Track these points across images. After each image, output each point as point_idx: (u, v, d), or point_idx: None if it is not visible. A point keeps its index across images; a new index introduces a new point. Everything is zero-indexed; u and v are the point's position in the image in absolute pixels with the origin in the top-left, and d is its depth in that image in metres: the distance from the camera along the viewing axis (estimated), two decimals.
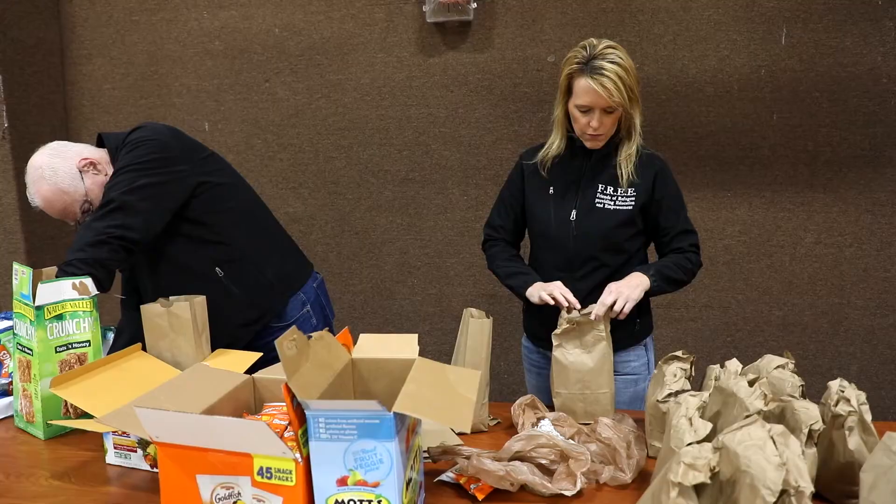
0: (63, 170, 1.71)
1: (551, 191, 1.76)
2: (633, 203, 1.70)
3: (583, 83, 1.59)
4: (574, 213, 1.73)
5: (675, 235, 1.75)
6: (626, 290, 1.61)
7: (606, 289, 1.62)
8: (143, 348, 1.60)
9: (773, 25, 2.55)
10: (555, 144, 1.75)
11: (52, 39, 3.01)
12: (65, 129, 3.09)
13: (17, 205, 2.88)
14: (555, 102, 1.73)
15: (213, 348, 1.70)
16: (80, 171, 1.73)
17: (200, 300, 1.65)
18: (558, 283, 1.67)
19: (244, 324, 1.87)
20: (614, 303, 1.59)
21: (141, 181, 1.68)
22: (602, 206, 1.70)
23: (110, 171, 1.76)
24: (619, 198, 1.70)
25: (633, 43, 2.62)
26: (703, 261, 2.74)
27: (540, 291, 1.67)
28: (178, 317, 1.60)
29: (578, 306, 1.61)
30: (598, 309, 1.58)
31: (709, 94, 2.63)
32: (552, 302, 1.63)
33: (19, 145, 2.87)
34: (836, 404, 1.13)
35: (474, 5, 2.66)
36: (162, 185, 1.71)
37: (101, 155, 1.79)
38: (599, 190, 1.71)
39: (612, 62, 1.57)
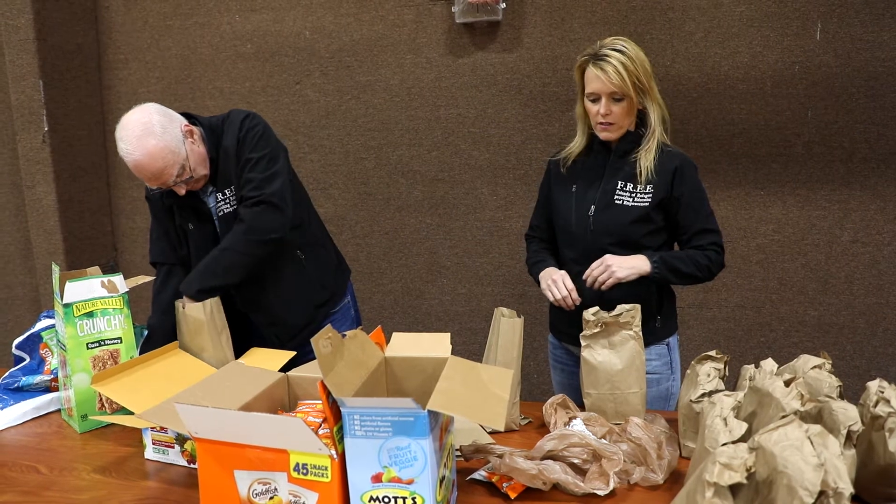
0: (171, 130, 1.68)
1: (574, 188, 1.80)
2: (649, 199, 1.70)
3: (589, 72, 1.68)
4: (593, 207, 1.74)
5: (694, 234, 1.73)
6: (615, 267, 1.65)
7: (600, 259, 1.67)
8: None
9: (807, 20, 2.50)
10: (576, 141, 1.82)
11: (90, 45, 3.08)
12: (102, 132, 3.16)
13: (56, 206, 2.96)
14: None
15: (294, 332, 1.85)
16: (184, 136, 1.71)
17: (215, 300, 1.69)
18: (563, 274, 1.72)
19: (319, 304, 1.98)
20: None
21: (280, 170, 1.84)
22: (620, 202, 1.72)
23: (202, 146, 1.77)
24: (638, 194, 1.70)
25: (663, 41, 2.60)
26: (736, 260, 2.68)
27: (543, 283, 1.76)
28: (194, 319, 1.63)
29: (570, 302, 1.69)
30: (588, 279, 1.68)
31: (741, 91, 2.59)
32: (550, 298, 1.71)
33: (59, 148, 2.95)
34: (876, 405, 1.11)
35: (503, 5, 2.66)
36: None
37: (194, 128, 1.79)
38: (619, 186, 1.72)
39: (615, 50, 1.65)
